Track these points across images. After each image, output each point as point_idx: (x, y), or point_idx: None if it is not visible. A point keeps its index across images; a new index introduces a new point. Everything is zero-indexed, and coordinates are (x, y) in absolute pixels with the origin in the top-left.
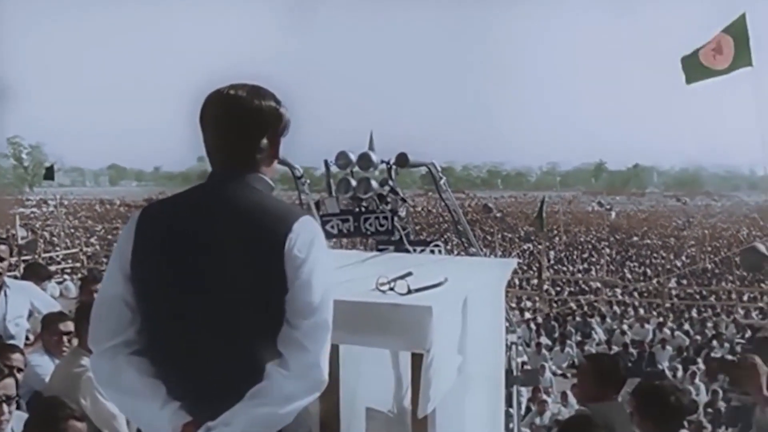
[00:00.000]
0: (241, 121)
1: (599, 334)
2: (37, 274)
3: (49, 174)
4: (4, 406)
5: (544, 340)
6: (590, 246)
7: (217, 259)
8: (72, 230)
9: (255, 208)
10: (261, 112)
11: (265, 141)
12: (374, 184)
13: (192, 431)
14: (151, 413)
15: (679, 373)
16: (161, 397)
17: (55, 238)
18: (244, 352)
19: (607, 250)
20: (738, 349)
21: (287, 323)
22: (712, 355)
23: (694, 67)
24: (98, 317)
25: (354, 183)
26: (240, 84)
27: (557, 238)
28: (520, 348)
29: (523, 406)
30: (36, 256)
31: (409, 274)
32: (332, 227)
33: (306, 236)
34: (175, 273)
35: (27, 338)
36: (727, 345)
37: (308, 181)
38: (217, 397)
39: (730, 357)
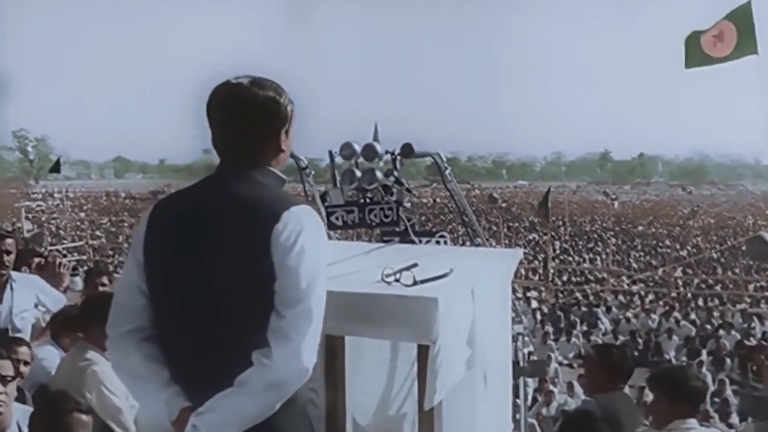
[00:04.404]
0: (238, 111)
1: (605, 323)
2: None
3: (56, 167)
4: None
5: (549, 330)
6: (596, 236)
7: (212, 249)
8: (78, 223)
9: (248, 198)
10: (257, 101)
11: (264, 131)
12: (379, 174)
13: (189, 415)
14: (151, 397)
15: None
16: (162, 381)
17: (61, 231)
18: (236, 340)
19: (613, 240)
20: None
21: (275, 312)
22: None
23: (695, 53)
24: (116, 303)
25: (359, 174)
26: (244, 75)
27: (562, 228)
28: (526, 339)
29: (530, 397)
30: (42, 249)
31: (415, 265)
32: (337, 218)
33: (294, 225)
34: (174, 262)
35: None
36: (734, 334)
37: (313, 172)
38: (211, 384)
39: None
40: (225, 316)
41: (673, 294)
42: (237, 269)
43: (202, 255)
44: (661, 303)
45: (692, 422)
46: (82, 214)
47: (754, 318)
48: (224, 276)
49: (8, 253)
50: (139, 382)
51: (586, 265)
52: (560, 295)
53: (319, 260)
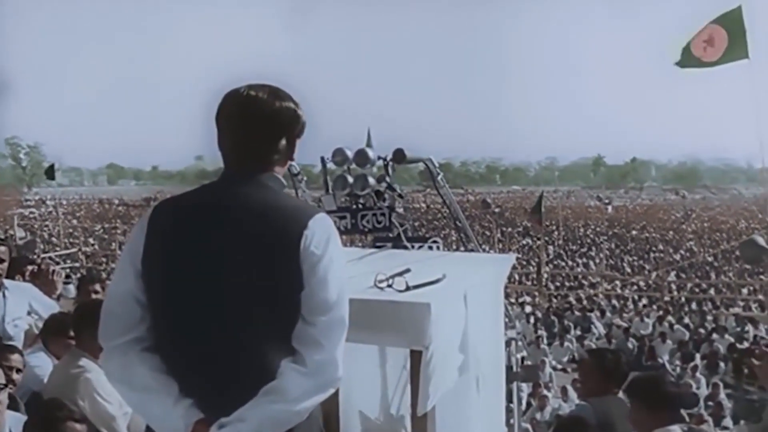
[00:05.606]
0: (260, 122)
1: (599, 328)
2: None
3: (51, 173)
4: None
5: (543, 334)
6: (589, 240)
7: (231, 257)
8: (70, 230)
9: (270, 206)
10: (280, 113)
11: (282, 142)
12: (371, 180)
13: (204, 428)
14: (163, 410)
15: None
16: (173, 393)
17: (53, 238)
18: (257, 349)
19: (606, 244)
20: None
21: (303, 320)
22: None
23: (685, 56)
24: (109, 313)
25: (351, 180)
26: (259, 85)
27: (556, 233)
28: (519, 343)
29: (524, 402)
30: (35, 257)
31: (408, 270)
32: None
33: (322, 233)
34: (186, 270)
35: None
36: (728, 337)
37: (305, 178)
38: (230, 394)
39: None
40: (245, 324)
41: (667, 298)
42: (261, 276)
43: (219, 261)
44: (654, 307)
45: (674, 429)
46: (75, 221)
47: (748, 321)
48: (246, 283)
49: (1, 261)
50: (150, 396)
51: (579, 270)
52: (554, 299)
53: (344, 268)
